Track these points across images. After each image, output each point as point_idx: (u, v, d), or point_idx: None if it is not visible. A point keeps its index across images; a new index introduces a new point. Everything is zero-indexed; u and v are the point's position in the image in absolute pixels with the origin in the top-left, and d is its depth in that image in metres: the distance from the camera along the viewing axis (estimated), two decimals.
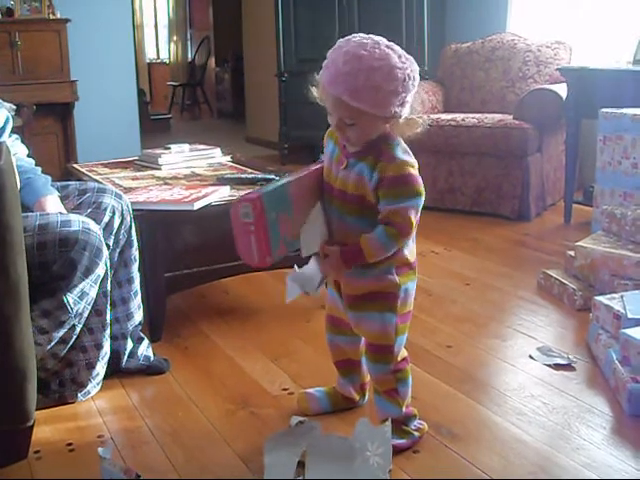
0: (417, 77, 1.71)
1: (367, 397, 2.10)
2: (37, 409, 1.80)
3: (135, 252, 2.33)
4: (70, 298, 2.00)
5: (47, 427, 2.04)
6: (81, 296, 2.02)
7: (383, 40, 1.70)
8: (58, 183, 2.32)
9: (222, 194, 2.67)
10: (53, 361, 2.12)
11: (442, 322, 2.74)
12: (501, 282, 3.17)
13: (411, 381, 1.92)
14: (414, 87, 1.70)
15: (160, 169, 3.23)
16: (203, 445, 1.94)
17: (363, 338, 1.94)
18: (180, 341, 2.62)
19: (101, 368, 2.21)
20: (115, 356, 2.29)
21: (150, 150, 3.49)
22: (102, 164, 3.45)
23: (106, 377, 2.25)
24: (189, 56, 12.70)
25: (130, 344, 2.33)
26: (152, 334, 2.55)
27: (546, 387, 2.21)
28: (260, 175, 2.97)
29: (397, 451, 1.81)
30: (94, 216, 2.16)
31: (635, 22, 4.45)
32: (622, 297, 2.43)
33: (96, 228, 2.07)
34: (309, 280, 1.86)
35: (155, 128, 8.84)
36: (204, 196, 2.58)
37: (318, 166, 1.87)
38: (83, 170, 3.29)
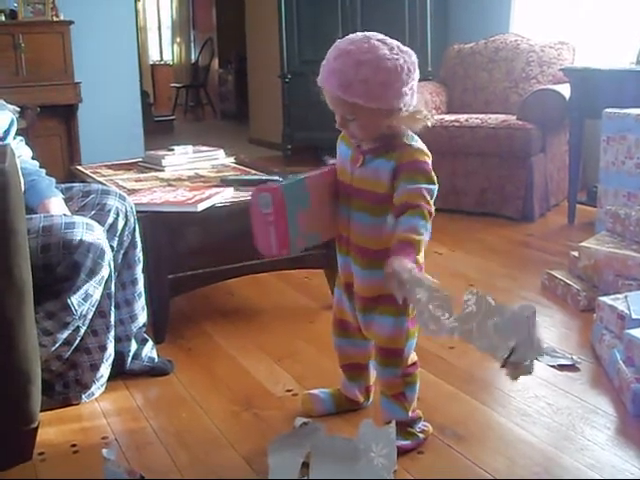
0: (413, 68, 1.71)
1: (371, 399, 2.09)
2: (41, 410, 1.80)
3: (139, 254, 2.33)
4: (74, 300, 2.00)
5: (51, 429, 2.04)
6: (85, 298, 2.02)
7: (376, 35, 1.71)
8: (62, 185, 2.32)
9: (226, 195, 2.67)
10: (57, 363, 2.12)
11: None
12: (505, 283, 3.17)
13: (418, 385, 1.91)
14: (411, 78, 1.70)
15: (164, 170, 3.23)
16: (207, 446, 1.94)
17: (372, 342, 1.93)
18: (184, 342, 2.62)
19: (105, 370, 2.21)
20: (119, 358, 2.30)
21: (154, 152, 3.50)
22: (106, 166, 3.45)
23: (110, 379, 2.25)
24: (192, 57, 12.72)
25: (134, 345, 2.34)
26: (156, 335, 2.55)
27: (550, 388, 2.21)
28: (264, 176, 2.97)
29: (401, 452, 1.80)
30: (98, 218, 2.16)
31: (638, 22, 4.44)
32: (626, 297, 2.43)
33: (100, 230, 2.08)
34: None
35: (159, 129, 8.85)
36: (208, 197, 2.58)
37: (330, 168, 1.88)
38: (87, 172, 3.29)
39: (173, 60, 13.79)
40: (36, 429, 1.83)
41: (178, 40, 13.51)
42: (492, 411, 2.08)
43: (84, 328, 2.09)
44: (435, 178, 1.75)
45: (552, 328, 2.69)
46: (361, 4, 5.86)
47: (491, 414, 2.07)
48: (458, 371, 2.33)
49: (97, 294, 2.07)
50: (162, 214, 2.50)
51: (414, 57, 1.72)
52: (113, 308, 2.20)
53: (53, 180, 2.27)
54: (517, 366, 1.49)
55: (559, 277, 2.97)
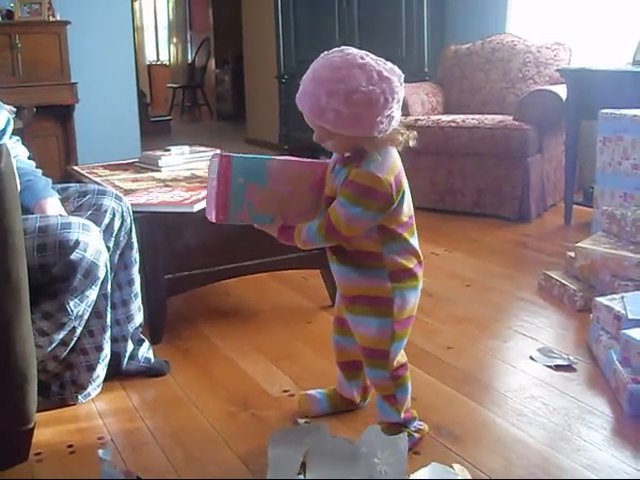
0: (391, 97, 1.65)
1: (368, 399, 2.09)
2: (38, 411, 1.80)
3: (135, 254, 2.33)
4: (70, 300, 2.00)
5: (48, 429, 2.04)
6: (81, 298, 2.02)
7: (357, 57, 1.66)
8: (58, 185, 2.32)
9: None
10: (54, 363, 2.12)
11: (443, 323, 2.74)
12: (502, 283, 3.17)
13: (410, 386, 1.91)
14: (387, 107, 1.65)
15: (160, 171, 3.23)
16: (203, 446, 1.94)
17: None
18: (181, 343, 2.62)
19: (101, 370, 2.21)
20: (115, 358, 2.29)
21: (150, 152, 3.49)
22: (102, 166, 3.44)
23: (106, 379, 2.25)
24: (189, 58, 12.71)
25: (130, 346, 2.33)
26: (152, 336, 2.55)
27: (547, 388, 2.21)
28: None
29: None
30: (94, 218, 2.16)
31: (635, 23, 4.45)
32: (622, 298, 2.43)
33: (96, 230, 2.07)
34: None
35: (155, 130, 8.85)
36: (204, 198, 2.57)
37: (318, 162, 1.88)
38: (83, 172, 3.29)
39: (170, 60, 13.79)
40: (32, 430, 1.82)
41: (175, 40, 13.51)
42: (488, 411, 2.08)
43: (80, 329, 2.09)
44: (373, 204, 1.68)
45: (549, 328, 2.70)
46: (358, 5, 5.86)
47: (487, 414, 2.07)
48: (455, 371, 2.33)
49: (93, 295, 2.07)
50: (159, 214, 2.50)
51: (395, 80, 1.67)
52: (109, 309, 2.20)
53: (49, 180, 2.26)
54: None
55: (555, 277, 2.98)
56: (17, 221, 1.63)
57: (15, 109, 3.82)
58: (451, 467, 1.76)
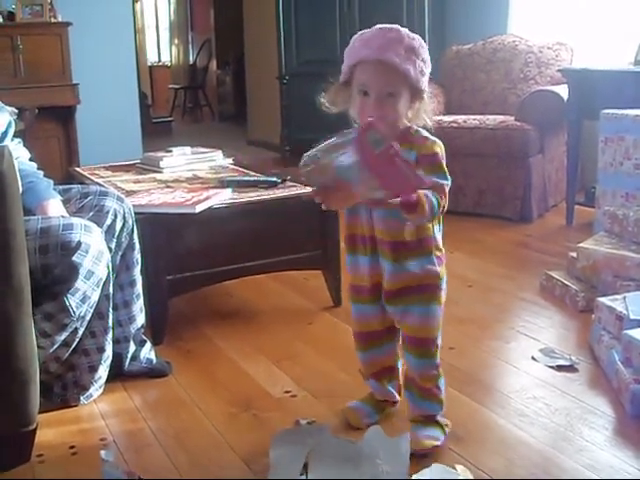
0: None
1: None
2: (40, 412, 1.80)
3: (137, 255, 2.33)
4: (72, 301, 2.00)
5: (50, 430, 2.04)
6: (83, 299, 2.02)
7: None
8: (60, 187, 2.32)
9: (224, 197, 2.67)
10: (56, 364, 2.12)
11: (445, 324, 2.70)
12: (503, 284, 3.17)
13: None
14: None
15: (162, 172, 3.23)
16: (206, 448, 1.94)
17: (398, 342, 1.95)
18: (182, 344, 2.62)
19: (103, 371, 2.21)
20: (117, 359, 2.29)
21: (152, 153, 3.50)
22: (104, 167, 3.45)
23: (108, 380, 2.25)
24: (190, 59, 12.72)
25: (133, 347, 2.33)
26: (154, 337, 2.55)
27: (548, 389, 2.21)
28: (262, 177, 2.97)
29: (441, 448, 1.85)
30: (96, 219, 2.16)
31: (636, 23, 4.44)
32: (624, 298, 2.43)
33: (98, 231, 2.07)
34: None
35: (157, 131, 8.85)
36: (206, 199, 2.58)
37: None
38: (85, 173, 3.30)
39: (171, 61, 13.80)
40: (34, 431, 1.82)
41: (176, 41, 13.51)
42: (491, 412, 2.08)
43: (82, 330, 2.09)
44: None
45: (550, 329, 2.70)
46: (359, 5, 5.87)
47: (490, 415, 2.07)
48: (457, 372, 2.33)
49: (95, 296, 2.07)
50: (160, 215, 2.51)
51: None
52: (111, 309, 2.20)
53: (51, 182, 2.27)
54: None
55: (557, 278, 2.98)
56: (19, 223, 1.63)
57: (17, 110, 3.81)
58: (453, 468, 1.76)
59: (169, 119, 10.33)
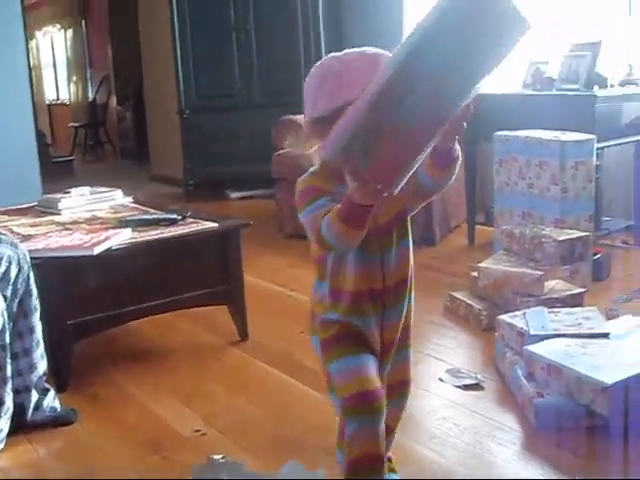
0: None
1: None
2: None
3: (35, 301, 2.26)
4: None
5: None
6: None
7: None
8: None
9: (123, 237, 2.63)
10: None
11: None
12: None
13: None
14: None
15: (60, 214, 3.16)
16: None
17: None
18: (89, 389, 2.55)
19: (4, 424, 2.13)
20: (19, 410, 2.21)
21: (50, 195, 3.42)
22: (0, 212, 3.35)
23: (10, 433, 2.16)
24: (90, 96, 12.54)
25: (35, 396, 2.26)
26: (58, 384, 2.46)
27: (457, 408, 2.25)
28: (162, 215, 2.94)
29: None
30: None
31: (526, 48, 4.61)
32: (524, 314, 2.50)
33: None
34: None
35: (58, 171, 8.65)
36: (105, 240, 2.54)
37: None
38: None
39: (70, 99, 13.57)
40: None
41: (74, 78, 13.32)
42: (402, 435, 2.10)
43: None
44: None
45: (457, 349, 2.75)
46: (256, 37, 5.92)
47: (401, 438, 2.08)
48: None
49: None
50: (58, 259, 2.45)
51: None
52: (9, 360, 2.13)
53: None
54: None
55: (460, 298, 3.04)
56: None
57: None
58: None
59: (70, 158, 10.13)
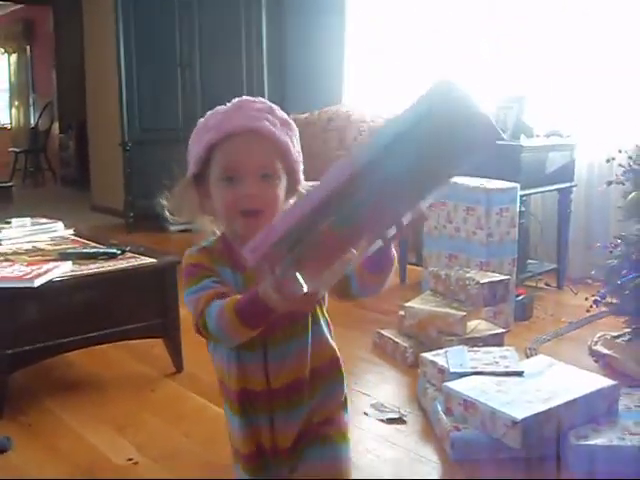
0: None
1: None
2: None
3: None
4: None
5: None
6: None
7: None
8: None
9: (64, 269, 2.70)
10: None
11: None
12: (339, 343, 3.32)
13: None
14: None
15: (0, 244, 3.21)
16: None
17: None
18: (24, 418, 2.60)
19: None
20: None
21: None
22: None
23: None
24: (32, 121, 12.47)
25: None
26: None
27: (379, 441, 2.37)
28: (102, 249, 3.02)
29: None
30: None
31: None
32: (446, 353, 2.65)
33: None
34: None
35: None
36: (45, 272, 2.61)
37: None
38: None
39: (11, 124, 13.47)
40: None
41: (17, 103, 13.24)
42: None
43: None
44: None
45: (383, 384, 2.88)
46: (200, 72, 6.06)
47: None
48: None
49: None
50: None
51: None
52: None
53: None
54: None
55: (388, 335, 3.18)
56: None
57: None
58: None
59: (9, 184, 10.04)
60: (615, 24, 4.20)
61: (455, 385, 2.38)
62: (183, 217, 1.41)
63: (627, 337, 2.97)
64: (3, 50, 13.54)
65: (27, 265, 2.74)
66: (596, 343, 2.99)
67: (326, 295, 1.42)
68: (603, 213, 4.25)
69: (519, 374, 2.48)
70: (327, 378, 1.45)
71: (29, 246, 3.19)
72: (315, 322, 1.44)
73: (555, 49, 4.48)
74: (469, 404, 2.30)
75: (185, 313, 2.01)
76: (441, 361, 2.58)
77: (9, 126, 13.54)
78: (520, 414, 2.19)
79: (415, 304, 3.11)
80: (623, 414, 2.37)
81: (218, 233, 1.42)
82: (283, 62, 6.02)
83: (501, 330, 3.08)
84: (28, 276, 2.57)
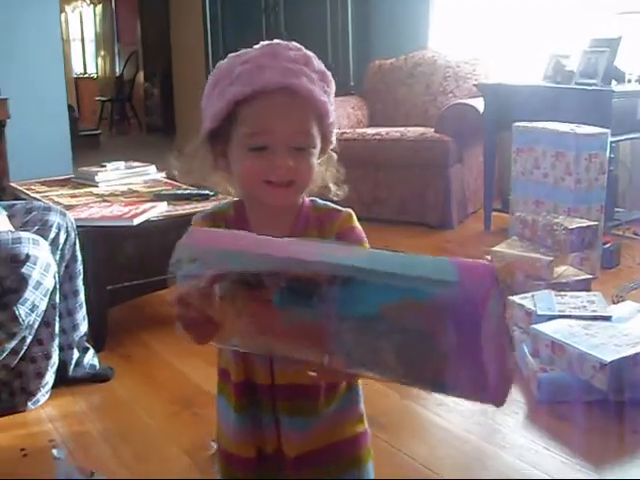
0: None
1: None
2: None
3: (79, 266, 2.45)
4: (22, 311, 2.11)
5: None
6: (32, 309, 2.14)
7: None
8: (4, 202, 2.43)
9: (160, 210, 2.81)
10: (4, 372, 2.22)
11: None
12: None
13: None
14: None
15: (97, 186, 3.34)
16: (150, 444, 2.08)
17: None
18: (123, 350, 2.74)
19: (50, 377, 2.32)
20: (62, 365, 2.41)
21: (86, 168, 3.60)
22: (39, 182, 3.53)
23: (54, 386, 2.36)
24: (117, 70, 12.70)
25: (76, 354, 2.45)
26: (96, 344, 2.65)
27: None
28: (195, 190, 3.11)
29: None
30: (41, 233, 2.28)
31: (547, 40, 4.73)
32: (533, 296, 2.66)
33: (45, 244, 2.20)
34: None
35: (84, 144, 8.83)
36: (142, 212, 2.71)
37: None
38: (21, 188, 3.38)
39: (97, 73, 13.75)
40: None
41: (102, 53, 13.48)
42: (411, 402, 2.27)
43: (30, 338, 2.20)
44: None
45: None
46: (285, 18, 6.05)
47: (411, 405, 2.26)
48: None
49: (43, 305, 2.19)
50: (100, 228, 2.63)
51: None
52: (57, 318, 2.32)
53: None
54: None
55: None
56: None
57: None
58: None
59: (97, 132, 10.32)
60: None
61: (543, 327, 2.39)
62: (193, 178, 1.27)
63: None
64: (89, 1, 13.77)
65: (125, 205, 2.85)
66: None
67: None
68: None
69: (607, 319, 2.48)
70: (346, 388, 1.22)
71: (124, 188, 3.31)
72: None
73: None
74: (557, 346, 2.31)
75: None
76: (528, 304, 2.59)
77: (95, 75, 13.81)
78: (609, 357, 2.19)
79: (502, 248, 3.11)
80: None
81: (232, 193, 1.22)
82: (368, 7, 5.97)
83: (588, 276, 3.06)
84: (127, 215, 2.68)
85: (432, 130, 4.49)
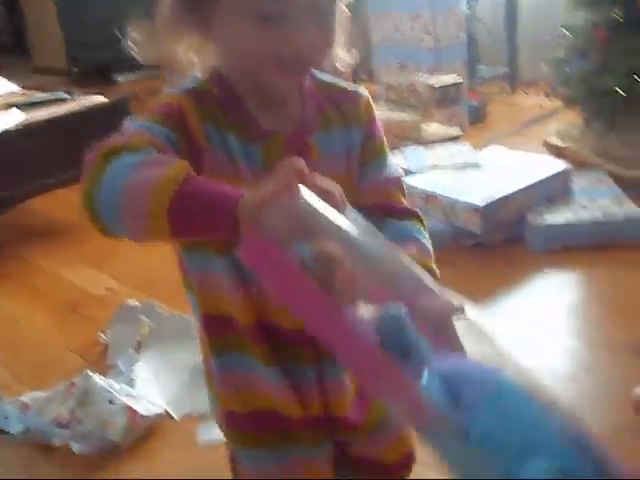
0: None
1: None
2: None
3: None
4: None
5: None
6: None
7: None
8: None
9: (16, 118, 2.68)
10: None
11: None
12: None
13: None
14: None
15: None
16: (42, 351, 2.06)
17: None
18: (2, 270, 2.63)
19: None
20: None
21: None
22: None
23: None
24: None
25: None
26: None
27: None
28: (51, 95, 2.97)
29: None
30: None
31: None
32: (403, 153, 2.68)
33: None
34: None
35: None
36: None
37: None
38: None
39: None
40: None
41: None
42: None
43: None
44: None
45: None
46: None
47: None
48: None
49: None
50: None
51: None
52: None
53: None
54: None
55: None
56: None
57: None
58: None
59: None
60: None
61: (414, 181, 2.43)
62: (154, 52, 0.91)
63: (579, 129, 3.01)
64: None
65: None
66: (550, 136, 3.04)
67: None
68: (550, 8, 4.20)
69: (476, 165, 2.55)
70: None
71: None
72: None
73: None
74: (431, 197, 2.37)
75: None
76: (399, 160, 2.62)
77: None
78: (481, 202, 2.27)
79: None
80: (577, 193, 2.47)
81: (198, 76, 0.89)
82: None
83: (457, 132, 3.12)
84: None
85: None
